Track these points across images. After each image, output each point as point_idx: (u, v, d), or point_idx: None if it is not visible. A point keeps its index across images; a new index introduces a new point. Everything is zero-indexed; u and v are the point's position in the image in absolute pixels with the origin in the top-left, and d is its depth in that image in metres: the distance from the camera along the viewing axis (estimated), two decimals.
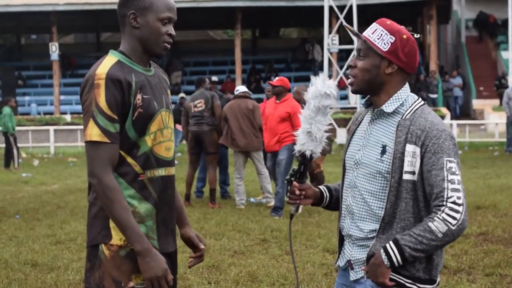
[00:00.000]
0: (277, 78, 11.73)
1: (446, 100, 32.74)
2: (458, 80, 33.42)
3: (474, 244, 8.81)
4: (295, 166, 3.48)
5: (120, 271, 3.23)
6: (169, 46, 3.36)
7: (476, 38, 37.67)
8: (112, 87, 3.17)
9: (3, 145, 22.19)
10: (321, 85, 3.31)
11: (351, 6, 28.61)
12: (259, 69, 37.11)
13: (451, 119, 30.28)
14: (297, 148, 3.39)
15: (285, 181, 3.44)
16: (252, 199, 12.98)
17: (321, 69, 31.11)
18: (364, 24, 35.38)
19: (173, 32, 3.33)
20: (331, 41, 28.81)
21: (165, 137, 3.36)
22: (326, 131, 3.36)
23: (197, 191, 13.53)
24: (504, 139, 24.27)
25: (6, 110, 21.28)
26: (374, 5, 32.46)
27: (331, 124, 3.38)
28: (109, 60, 3.26)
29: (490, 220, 10.38)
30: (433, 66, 32.72)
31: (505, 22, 33.31)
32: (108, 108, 3.16)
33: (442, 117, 29.33)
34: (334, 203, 3.54)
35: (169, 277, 3.22)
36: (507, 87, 28.33)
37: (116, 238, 3.23)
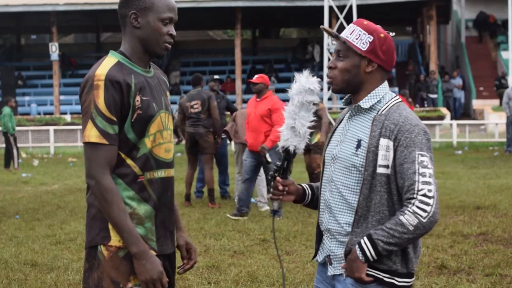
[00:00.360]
0: (256, 76, 11.46)
1: (446, 100, 32.73)
2: (458, 81, 33.41)
3: (474, 244, 8.81)
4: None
5: (118, 271, 3.23)
6: (170, 46, 3.36)
7: (476, 38, 37.66)
8: (111, 88, 3.17)
9: (3, 145, 22.19)
10: (305, 81, 3.34)
11: (351, 6, 28.61)
12: (259, 69, 37.06)
13: (451, 119, 30.28)
14: (280, 143, 3.41)
15: (269, 177, 3.47)
16: (252, 200, 12.96)
17: (321, 69, 31.13)
18: None
19: (174, 32, 3.34)
20: (331, 41, 28.80)
21: (164, 139, 3.36)
22: (309, 127, 3.40)
23: (197, 191, 13.52)
24: (504, 139, 24.27)
25: (6, 110, 21.28)
26: (374, 5, 32.44)
27: (314, 120, 3.42)
28: (109, 61, 3.26)
29: (490, 220, 10.38)
30: (433, 66, 32.71)
31: (505, 22, 33.32)
32: (107, 109, 3.16)
33: (442, 117, 29.33)
34: (315, 201, 3.58)
35: (165, 280, 3.22)
36: (507, 87, 28.33)
37: (115, 239, 3.23)
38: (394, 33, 3.43)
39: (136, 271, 3.19)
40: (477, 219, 10.48)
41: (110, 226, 3.22)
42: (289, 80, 34.15)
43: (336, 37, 3.33)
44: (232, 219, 10.93)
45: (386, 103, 3.30)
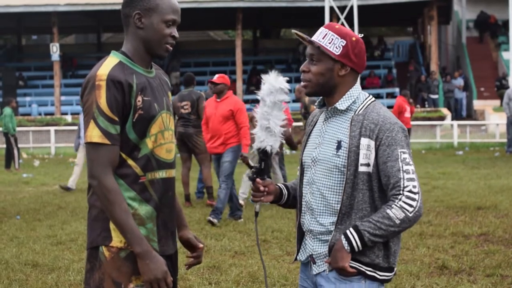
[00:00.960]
0: (217, 75, 11.18)
1: (447, 101, 32.73)
2: (459, 81, 33.37)
3: (475, 245, 8.81)
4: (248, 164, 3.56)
5: (120, 272, 3.23)
6: (171, 48, 3.37)
7: (477, 38, 37.65)
8: (113, 88, 3.17)
9: (4, 146, 22.20)
10: (274, 81, 3.40)
11: (352, 7, 28.61)
12: (260, 69, 37.09)
13: (452, 119, 30.27)
14: (256, 145, 3.46)
15: (248, 179, 3.51)
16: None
17: None
18: (364, 24, 35.42)
19: (176, 34, 3.35)
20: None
21: (166, 139, 3.36)
22: (281, 126, 3.45)
23: (198, 191, 13.51)
24: (505, 140, 24.27)
25: (7, 110, 21.27)
26: (374, 6, 32.43)
27: (285, 119, 3.46)
28: (111, 61, 3.26)
29: (491, 220, 10.37)
30: (433, 66, 32.70)
31: (506, 23, 33.30)
32: (109, 109, 3.16)
33: (443, 117, 29.31)
34: (291, 200, 3.63)
35: (169, 279, 3.22)
36: (507, 87, 28.32)
37: (117, 240, 3.23)
38: (362, 35, 3.48)
39: (140, 271, 3.19)
40: (478, 220, 10.48)
41: (111, 227, 3.22)
42: (290, 81, 34.21)
43: (310, 42, 3.37)
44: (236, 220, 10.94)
45: (362, 103, 3.37)
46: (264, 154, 3.45)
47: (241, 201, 12.10)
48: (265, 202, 3.52)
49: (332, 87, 3.37)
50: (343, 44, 3.31)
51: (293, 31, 3.46)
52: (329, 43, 3.32)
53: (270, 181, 3.51)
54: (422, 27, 39.56)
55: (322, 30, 3.37)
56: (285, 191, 3.61)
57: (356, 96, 3.38)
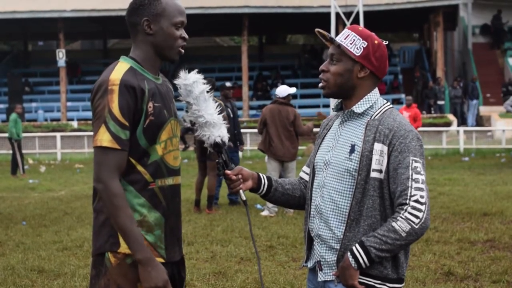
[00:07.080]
0: None
1: (453, 107, 32.69)
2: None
3: (481, 251, 8.79)
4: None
5: (125, 278, 3.23)
6: (183, 50, 3.38)
7: (482, 45, 37.61)
8: (126, 93, 3.17)
9: (10, 152, 22.22)
10: (185, 80, 3.36)
11: (357, 13, 28.61)
12: (266, 75, 37.12)
13: (458, 125, 30.24)
14: (207, 144, 3.42)
15: (218, 176, 3.48)
16: (258, 206, 12.96)
17: None
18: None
19: (186, 35, 3.37)
20: None
21: (173, 146, 3.38)
22: (219, 113, 3.41)
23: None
24: (511, 146, 24.22)
25: (12, 116, 21.31)
26: (380, 12, 32.43)
27: (219, 105, 3.42)
28: (122, 66, 3.26)
29: (497, 227, 10.35)
30: (439, 72, 32.67)
31: None
32: (121, 114, 3.16)
33: (449, 124, 29.28)
34: (278, 195, 3.57)
35: None
36: None
37: (124, 246, 3.22)
38: (387, 42, 3.45)
39: (140, 278, 3.17)
40: (484, 226, 10.46)
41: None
42: (296, 86, 34.22)
43: (330, 40, 3.36)
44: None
45: (379, 109, 3.34)
46: (217, 147, 3.40)
47: (273, 214, 12.04)
48: (245, 189, 3.46)
49: (350, 88, 3.33)
50: (364, 46, 3.29)
51: (316, 30, 3.44)
52: (350, 43, 3.30)
53: (240, 167, 3.47)
54: (428, 33, 39.56)
55: (345, 31, 3.36)
56: (264, 180, 3.53)
57: (374, 101, 3.34)
